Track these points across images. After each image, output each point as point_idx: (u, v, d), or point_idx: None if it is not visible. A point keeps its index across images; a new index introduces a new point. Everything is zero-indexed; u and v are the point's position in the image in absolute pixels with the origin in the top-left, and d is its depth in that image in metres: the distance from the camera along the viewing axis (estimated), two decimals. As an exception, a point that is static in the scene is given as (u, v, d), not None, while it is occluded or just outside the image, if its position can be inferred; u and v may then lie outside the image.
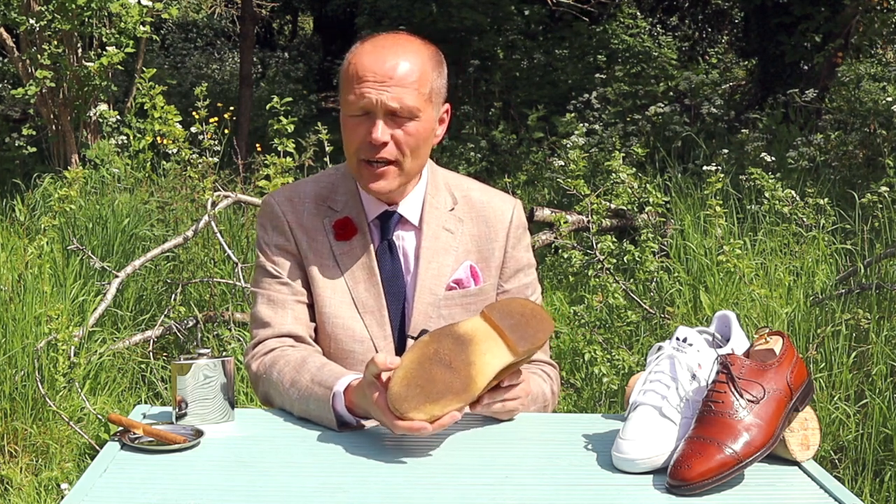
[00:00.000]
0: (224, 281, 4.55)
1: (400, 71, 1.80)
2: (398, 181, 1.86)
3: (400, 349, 1.91)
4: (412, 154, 1.84)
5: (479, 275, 1.95)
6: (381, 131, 1.80)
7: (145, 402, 3.94)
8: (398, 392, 1.54)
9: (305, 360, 1.79)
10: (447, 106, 1.92)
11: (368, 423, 1.70)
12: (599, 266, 4.45)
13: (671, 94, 9.04)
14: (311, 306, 1.92)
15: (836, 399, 3.55)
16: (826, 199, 5.10)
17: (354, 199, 1.93)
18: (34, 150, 7.00)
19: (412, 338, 1.84)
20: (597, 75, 9.19)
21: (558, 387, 2.03)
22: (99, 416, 3.67)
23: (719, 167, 5.40)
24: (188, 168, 5.24)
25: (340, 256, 1.91)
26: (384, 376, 1.60)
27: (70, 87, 6.55)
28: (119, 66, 6.66)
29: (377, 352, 1.88)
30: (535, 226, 5.67)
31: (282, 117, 5.05)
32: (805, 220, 4.90)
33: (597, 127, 7.97)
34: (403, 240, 1.93)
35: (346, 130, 1.85)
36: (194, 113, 5.48)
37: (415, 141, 1.83)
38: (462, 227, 1.95)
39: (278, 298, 1.89)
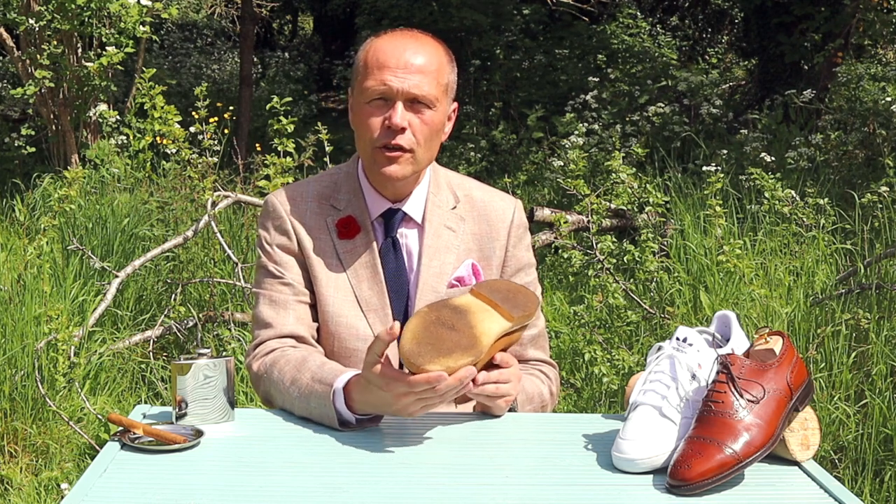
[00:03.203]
0: (224, 281, 4.55)
1: (420, 60, 1.83)
2: (411, 168, 1.87)
3: None
4: (426, 144, 1.86)
5: (480, 273, 1.96)
6: (401, 115, 1.82)
7: (145, 402, 3.94)
8: (410, 349, 1.55)
9: (306, 358, 1.79)
10: (456, 105, 1.95)
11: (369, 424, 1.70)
12: (599, 266, 4.45)
13: (671, 94, 9.04)
14: (314, 306, 1.92)
15: (836, 399, 3.55)
16: (826, 199, 5.10)
17: (357, 198, 1.93)
18: (33, 150, 7.00)
19: None
20: (591, 78, 9.19)
21: (558, 387, 2.03)
22: (99, 416, 3.67)
23: (719, 167, 5.40)
24: (188, 168, 5.24)
25: (343, 255, 1.91)
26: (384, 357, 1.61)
27: (70, 87, 6.55)
28: (119, 67, 6.66)
29: None
30: (535, 226, 5.67)
31: (282, 117, 5.05)
32: (805, 220, 4.90)
33: (596, 127, 7.97)
34: (406, 238, 1.94)
35: (360, 117, 1.86)
36: (194, 113, 5.48)
37: (430, 130, 1.85)
38: (464, 226, 1.96)
39: (280, 299, 1.90)
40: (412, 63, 1.82)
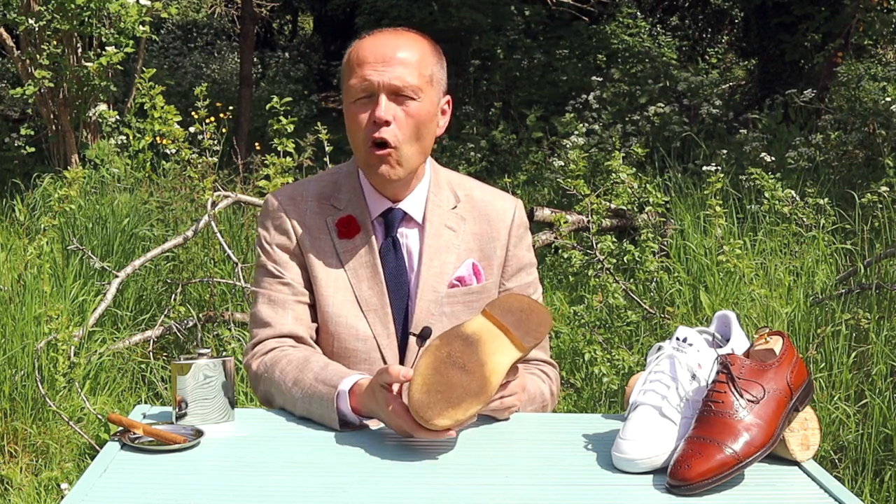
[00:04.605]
0: (224, 281, 4.55)
1: (400, 52, 1.84)
2: (401, 169, 1.86)
3: (403, 347, 1.92)
4: (411, 138, 1.84)
5: (481, 273, 1.96)
6: (385, 108, 1.81)
7: (145, 402, 3.93)
8: (420, 399, 1.55)
9: (308, 359, 1.79)
10: (448, 98, 1.94)
11: (371, 423, 1.70)
12: (599, 266, 4.45)
13: (671, 94, 9.04)
14: (313, 306, 1.92)
15: (836, 399, 3.55)
16: (826, 199, 5.10)
17: (358, 197, 1.93)
18: (33, 150, 7.00)
19: (414, 335, 1.85)
20: (593, 78, 9.19)
21: (558, 387, 2.03)
22: (99, 416, 3.67)
23: (719, 167, 5.41)
24: (188, 168, 5.23)
25: (343, 254, 1.91)
26: (395, 387, 1.62)
27: (70, 87, 6.55)
28: (118, 67, 6.65)
29: (380, 350, 1.89)
30: (535, 226, 5.66)
31: (282, 117, 5.05)
32: (805, 220, 4.90)
33: (596, 127, 7.97)
34: (407, 237, 1.94)
35: (350, 118, 1.86)
36: (193, 113, 5.48)
37: (415, 123, 1.84)
38: (464, 226, 1.96)
39: (279, 298, 1.90)
40: (391, 56, 1.83)
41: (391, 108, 1.82)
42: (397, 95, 1.82)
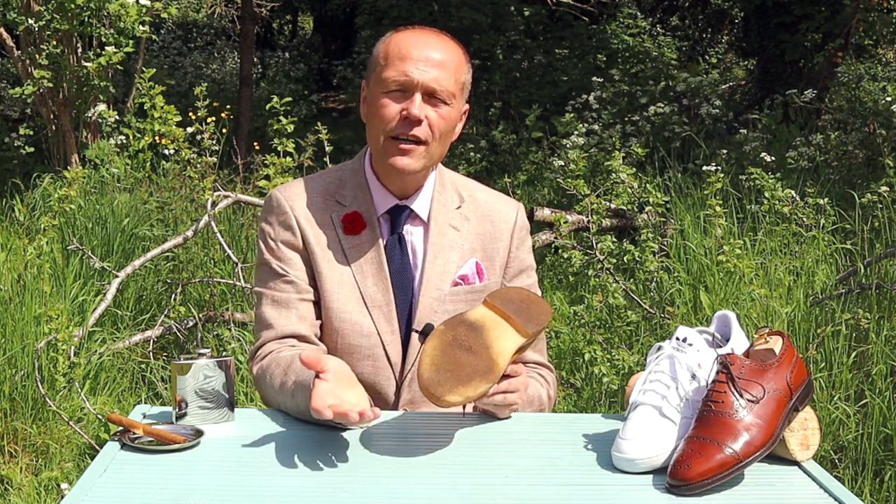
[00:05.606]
0: (224, 281, 4.55)
1: (441, 55, 1.86)
2: (423, 162, 1.87)
3: (407, 343, 1.93)
4: (440, 139, 1.87)
5: (483, 272, 1.97)
6: (419, 107, 1.83)
7: (145, 402, 3.93)
8: (431, 377, 1.55)
9: (291, 362, 1.79)
10: (467, 107, 1.96)
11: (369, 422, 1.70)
12: (599, 266, 4.45)
13: (671, 94, 9.04)
14: (317, 303, 1.92)
15: (836, 399, 3.55)
16: (826, 199, 5.10)
17: (364, 194, 1.93)
18: (32, 150, 7.00)
19: (417, 331, 1.85)
20: (595, 79, 9.19)
21: (555, 391, 2.04)
22: (99, 416, 3.67)
23: (719, 167, 5.41)
24: (188, 168, 5.23)
25: (349, 251, 1.91)
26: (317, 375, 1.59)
27: (70, 87, 6.55)
28: (118, 66, 6.65)
29: (384, 346, 1.90)
30: (535, 226, 5.66)
31: (282, 117, 5.05)
32: (805, 220, 4.90)
33: (596, 127, 7.97)
34: (412, 235, 1.95)
35: (377, 108, 1.86)
36: (191, 114, 5.48)
37: (445, 125, 1.86)
38: (468, 226, 1.97)
39: (282, 298, 1.89)
40: (433, 57, 1.84)
41: (424, 108, 1.83)
42: (431, 97, 1.84)
